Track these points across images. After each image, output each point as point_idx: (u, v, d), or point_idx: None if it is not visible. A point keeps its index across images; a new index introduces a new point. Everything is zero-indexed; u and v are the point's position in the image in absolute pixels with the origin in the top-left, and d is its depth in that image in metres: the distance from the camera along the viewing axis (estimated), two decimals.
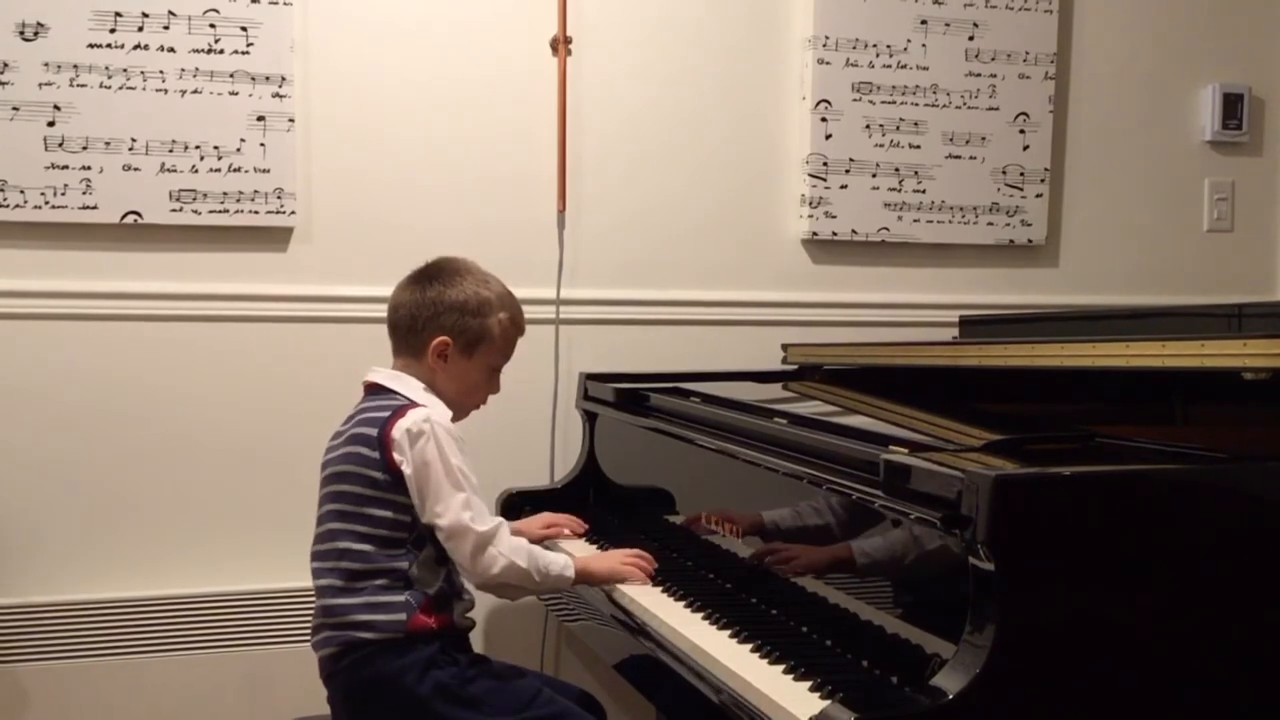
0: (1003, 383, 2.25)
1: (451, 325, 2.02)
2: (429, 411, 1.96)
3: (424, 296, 2.03)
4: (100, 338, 2.53)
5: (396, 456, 1.92)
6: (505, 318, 2.07)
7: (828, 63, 2.89)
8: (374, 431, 1.94)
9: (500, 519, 1.99)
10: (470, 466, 1.95)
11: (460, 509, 1.91)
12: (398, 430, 1.92)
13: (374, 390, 2.04)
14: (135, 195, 2.51)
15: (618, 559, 2.11)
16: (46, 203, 2.47)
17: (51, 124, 2.46)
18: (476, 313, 2.03)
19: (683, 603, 1.97)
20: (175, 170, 2.53)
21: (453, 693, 1.91)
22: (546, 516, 2.43)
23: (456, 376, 2.05)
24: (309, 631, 1.98)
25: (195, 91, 2.53)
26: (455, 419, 2.05)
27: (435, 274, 2.05)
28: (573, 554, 2.11)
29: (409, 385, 2.01)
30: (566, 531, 2.40)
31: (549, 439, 2.80)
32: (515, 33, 2.75)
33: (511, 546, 1.96)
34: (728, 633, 1.79)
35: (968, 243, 3.04)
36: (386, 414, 1.95)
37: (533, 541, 2.11)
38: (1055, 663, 1.40)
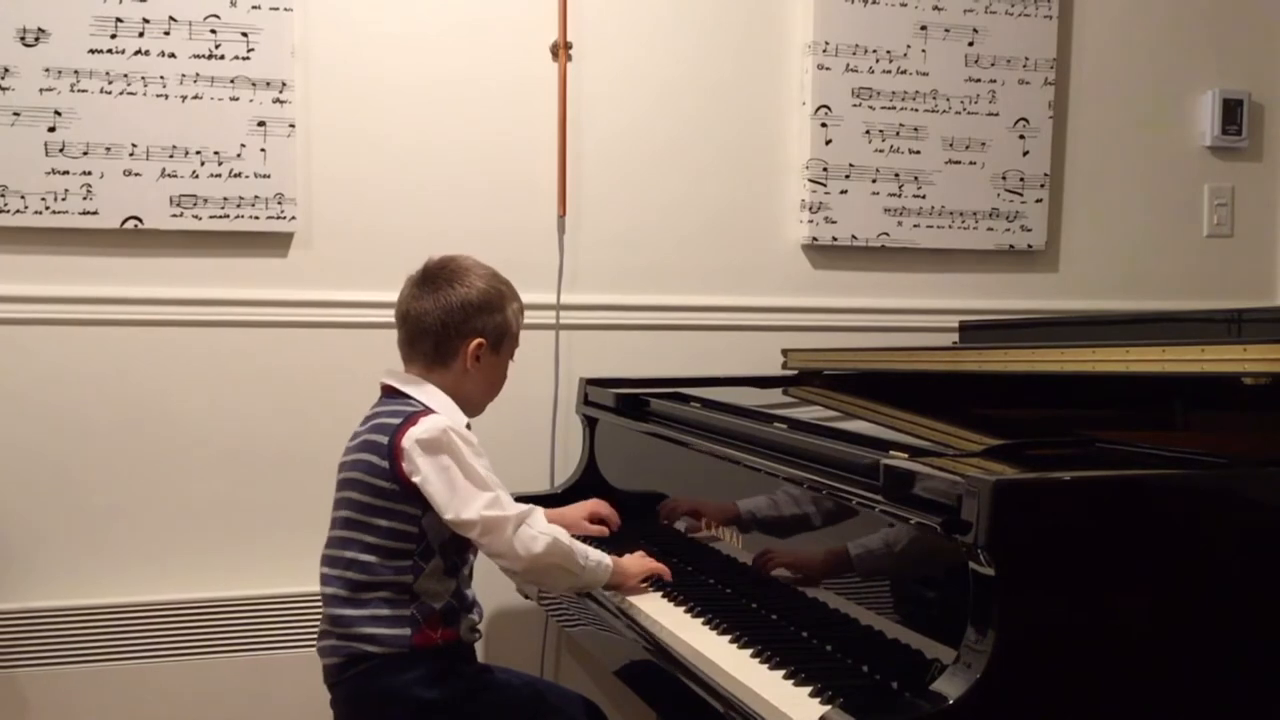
0: (1003, 388, 2.26)
1: (483, 326, 2.00)
2: (442, 419, 1.92)
3: (450, 301, 1.99)
4: (101, 343, 2.53)
5: (406, 467, 1.89)
6: (517, 307, 2.07)
7: (828, 68, 2.90)
8: (384, 439, 1.92)
9: (534, 505, 1.97)
10: (489, 467, 1.93)
11: (486, 506, 1.89)
12: (408, 440, 1.89)
13: (389, 394, 2.01)
14: (136, 200, 2.52)
15: (649, 561, 2.11)
16: (47, 208, 2.47)
17: (52, 129, 2.47)
18: (499, 308, 2.02)
19: (683, 608, 1.97)
20: (176, 175, 2.53)
21: (456, 708, 1.91)
22: (590, 505, 2.39)
23: (487, 374, 2.04)
24: (312, 636, 1.99)
25: (196, 97, 2.53)
26: (476, 415, 2.06)
27: (448, 276, 2.02)
28: None
29: (426, 391, 1.98)
30: (606, 531, 2.37)
31: (549, 444, 2.80)
32: (516, 38, 2.75)
33: (549, 526, 1.96)
34: (728, 638, 1.79)
35: (967, 248, 3.04)
36: (398, 421, 1.92)
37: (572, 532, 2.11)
38: (1056, 667, 1.40)
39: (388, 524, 1.91)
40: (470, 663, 2.01)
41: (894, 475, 1.55)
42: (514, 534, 1.90)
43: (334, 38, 2.64)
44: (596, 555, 2.01)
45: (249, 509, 2.63)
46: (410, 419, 1.92)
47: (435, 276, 2.03)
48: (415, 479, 1.88)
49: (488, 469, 1.93)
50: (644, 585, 2.08)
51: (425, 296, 2.01)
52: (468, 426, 1.99)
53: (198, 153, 2.54)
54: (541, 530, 1.93)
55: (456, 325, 1.99)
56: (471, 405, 2.04)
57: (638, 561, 2.10)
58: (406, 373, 2.03)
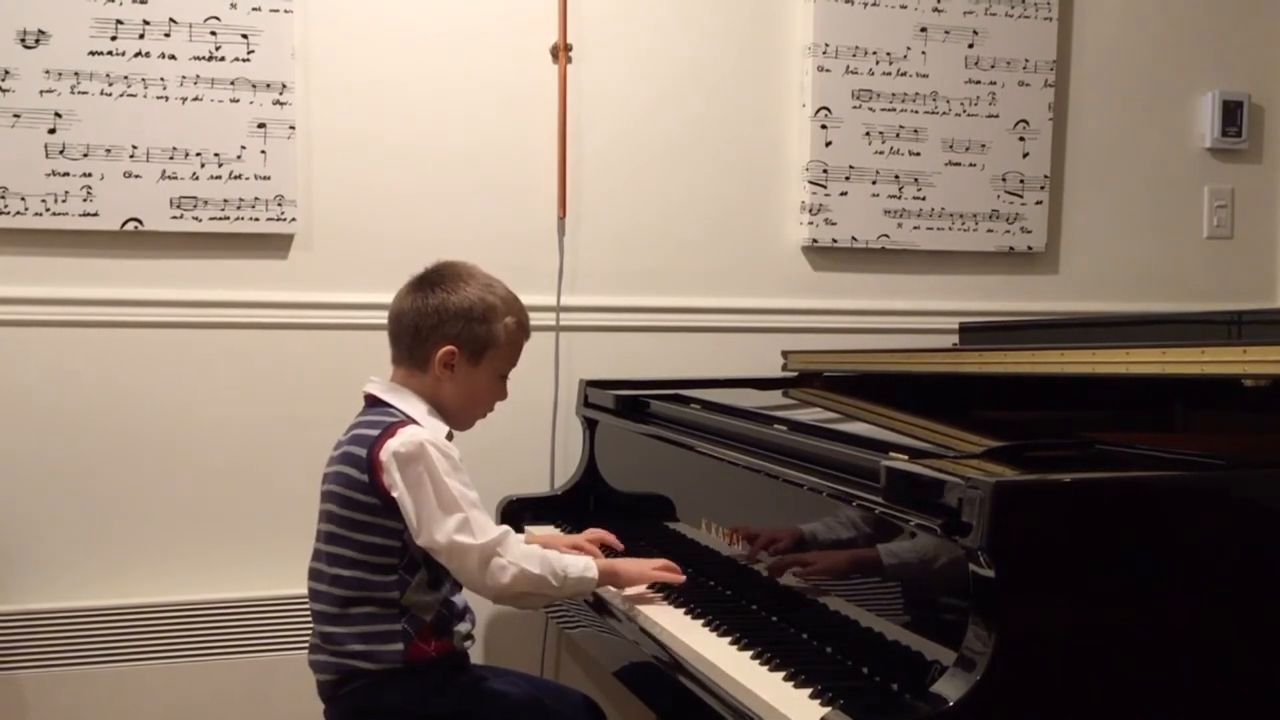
0: (1003, 390, 2.26)
1: (457, 334, 1.94)
2: (420, 431, 1.88)
3: (427, 304, 1.95)
4: (101, 345, 2.53)
5: (386, 480, 1.84)
6: (512, 322, 1.99)
7: (828, 70, 2.90)
8: (363, 452, 1.87)
9: (506, 527, 1.91)
10: (467, 483, 1.87)
11: (455, 530, 1.83)
12: (385, 452, 1.85)
13: (371, 403, 1.98)
14: (136, 202, 2.52)
15: (648, 566, 2.04)
16: (47, 210, 2.47)
17: (52, 131, 2.47)
18: (483, 319, 1.96)
19: (683, 609, 1.96)
20: (176, 177, 2.53)
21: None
22: (584, 537, 2.27)
23: (463, 386, 1.97)
24: (307, 646, 1.97)
25: (196, 99, 2.53)
26: (461, 428, 2.02)
27: (438, 280, 1.98)
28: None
29: (406, 399, 1.95)
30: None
31: (549, 446, 2.80)
32: (516, 40, 2.75)
33: (521, 553, 1.88)
34: (728, 639, 1.79)
35: (967, 250, 3.05)
36: (376, 432, 1.88)
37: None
38: (1056, 670, 1.40)
39: (369, 538, 1.87)
40: (465, 672, 1.98)
41: (894, 477, 1.55)
42: (479, 563, 1.84)
43: (334, 39, 2.65)
44: (577, 569, 1.93)
45: (249, 511, 2.63)
46: (388, 430, 1.88)
47: (427, 278, 1.99)
48: (395, 493, 1.84)
49: (466, 484, 1.87)
50: (652, 593, 2.03)
51: (408, 297, 1.98)
52: (449, 437, 1.95)
53: (198, 154, 2.54)
54: (511, 560, 1.86)
55: (429, 329, 1.95)
56: (452, 417, 1.99)
57: (635, 566, 2.04)
58: (392, 377, 2.00)
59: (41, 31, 2.45)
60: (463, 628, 1.96)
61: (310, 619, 1.96)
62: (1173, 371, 1.76)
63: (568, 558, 1.96)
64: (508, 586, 1.86)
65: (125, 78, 2.49)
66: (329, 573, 1.90)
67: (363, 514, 1.87)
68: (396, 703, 1.87)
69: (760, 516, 1.99)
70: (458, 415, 2.01)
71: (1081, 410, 2.18)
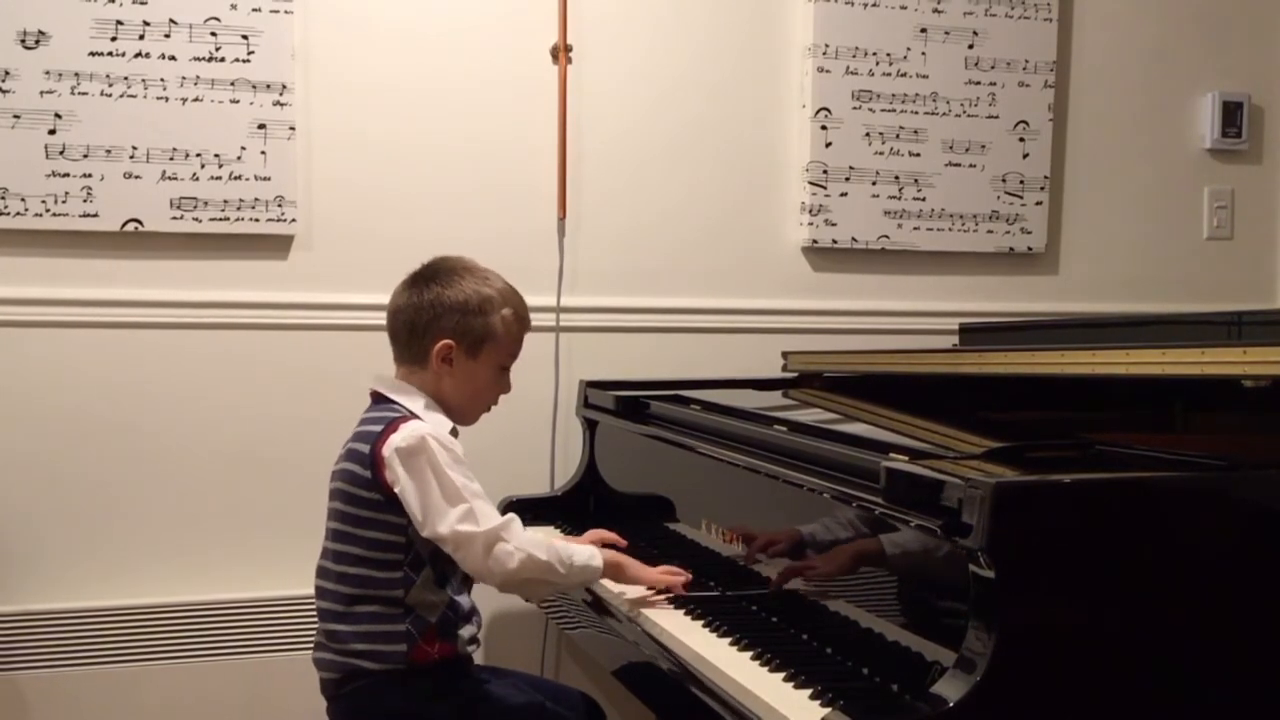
0: (1003, 390, 2.26)
1: (453, 327, 1.95)
2: (421, 425, 1.88)
3: (422, 299, 1.96)
4: (101, 345, 2.53)
5: (388, 475, 1.85)
6: (509, 314, 1.99)
7: (828, 71, 2.90)
8: (366, 448, 1.88)
9: (511, 515, 1.91)
10: (470, 475, 1.88)
11: (459, 520, 1.83)
12: (388, 448, 1.85)
13: (376, 400, 1.99)
14: (136, 203, 2.52)
15: (656, 569, 2.04)
16: (48, 210, 2.47)
17: (53, 132, 2.47)
18: (479, 311, 1.96)
19: (683, 610, 1.96)
20: (176, 178, 2.53)
21: None
22: (585, 539, 2.24)
23: (463, 379, 1.97)
24: (310, 643, 1.97)
25: (196, 99, 2.53)
26: (465, 423, 2.02)
27: (432, 275, 1.98)
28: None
29: (408, 395, 1.95)
30: None
31: (549, 446, 2.80)
32: (516, 41, 2.75)
33: (527, 539, 1.88)
34: (728, 640, 1.79)
35: (967, 250, 3.05)
36: (379, 429, 1.89)
37: None
38: (1056, 670, 1.40)
39: (374, 535, 1.88)
40: (467, 674, 1.98)
41: (894, 477, 1.55)
42: (484, 550, 1.84)
43: (334, 40, 2.65)
44: (583, 556, 1.94)
45: (249, 512, 2.63)
46: (390, 426, 1.88)
47: (422, 274, 2.00)
48: (397, 488, 1.85)
49: (469, 476, 1.87)
50: (654, 596, 2.03)
51: (404, 293, 1.99)
52: (454, 433, 1.96)
53: (198, 155, 2.54)
54: (517, 545, 1.86)
55: (425, 325, 1.95)
56: (454, 411, 1.99)
57: (640, 566, 2.04)
58: (396, 374, 2.01)
59: (41, 32, 2.45)
60: (467, 631, 1.96)
61: (313, 617, 1.97)
62: (1173, 372, 1.76)
63: (573, 546, 1.97)
64: (514, 572, 1.86)
65: (125, 78, 2.49)
66: (335, 570, 1.90)
67: (367, 510, 1.88)
68: (398, 704, 1.87)
69: (760, 517, 1.99)
70: (460, 409, 2.01)
71: (1081, 411, 2.18)
